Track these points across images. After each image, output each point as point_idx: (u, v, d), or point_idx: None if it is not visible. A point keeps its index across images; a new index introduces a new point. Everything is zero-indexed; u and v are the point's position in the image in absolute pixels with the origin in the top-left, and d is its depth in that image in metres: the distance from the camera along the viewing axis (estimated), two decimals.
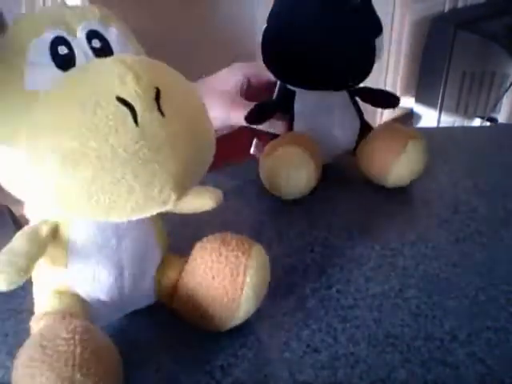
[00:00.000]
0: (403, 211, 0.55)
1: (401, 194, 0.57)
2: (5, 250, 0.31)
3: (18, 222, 0.79)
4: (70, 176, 0.26)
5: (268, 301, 0.41)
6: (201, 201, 0.39)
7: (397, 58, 2.38)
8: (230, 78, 0.61)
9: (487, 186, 0.59)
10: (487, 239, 0.49)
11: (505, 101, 2.24)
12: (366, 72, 0.53)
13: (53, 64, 0.30)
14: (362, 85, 0.56)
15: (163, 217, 0.36)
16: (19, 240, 0.32)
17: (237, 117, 0.56)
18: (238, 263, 0.36)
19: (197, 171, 0.31)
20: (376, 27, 0.52)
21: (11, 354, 0.37)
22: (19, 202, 0.35)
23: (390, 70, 2.36)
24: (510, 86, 2.17)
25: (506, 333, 0.39)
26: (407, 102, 2.51)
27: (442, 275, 0.45)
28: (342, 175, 0.61)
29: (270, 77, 0.60)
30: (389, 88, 2.38)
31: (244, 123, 0.56)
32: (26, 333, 0.34)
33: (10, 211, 0.78)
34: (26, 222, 0.36)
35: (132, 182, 0.27)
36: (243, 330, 0.39)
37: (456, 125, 2.37)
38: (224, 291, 0.36)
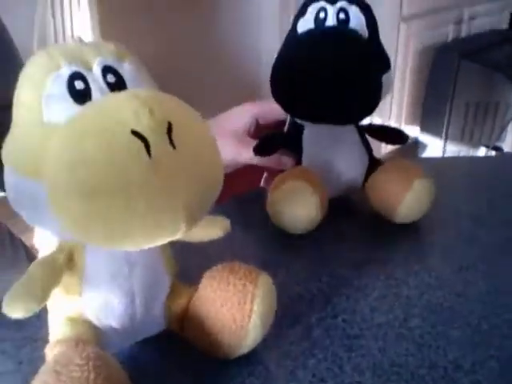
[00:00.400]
0: (407, 240, 0.56)
1: (404, 224, 0.58)
2: (22, 278, 0.32)
3: (31, 254, 0.80)
4: (86, 206, 0.28)
5: (275, 330, 0.42)
6: (209, 230, 0.41)
7: (401, 88, 2.40)
8: (239, 118, 0.63)
9: (490, 215, 0.60)
10: (490, 268, 0.50)
11: (509, 130, 2.25)
12: (372, 107, 0.54)
13: (70, 98, 0.31)
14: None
15: (172, 245, 0.38)
16: (36, 268, 0.33)
17: (245, 155, 0.58)
18: (246, 292, 0.37)
19: (206, 202, 0.32)
20: (384, 64, 0.54)
21: (26, 382, 0.38)
22: (29, 232, 0.36)
23: (394, 99, 2.38)
24: None
25: (509, 361, 0.39)
26: (412, 131, 2.53)
27: (445, 304, 0.46)
28: (350, 209, 0.62)
29: (279, 116, 0.61)
30: (394, 117, 2.41)
31: (252, 162, 0.57)
32: (40, 360, 0.35)
33: (24, 244, 0.80)
34: (36, 251, 0.37)
35: (144, 212, 0.28)
36: (251, 358, 0.40)
37: (461, 154, 2.38)
38: (232, 319, 0.37)
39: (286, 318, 0.44)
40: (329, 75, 0.51)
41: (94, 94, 0.32)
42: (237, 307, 0.37)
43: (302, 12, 0.55)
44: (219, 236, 0.41)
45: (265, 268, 0.40)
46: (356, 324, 0.44)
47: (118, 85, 0.33)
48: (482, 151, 2.35)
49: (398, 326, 0.43)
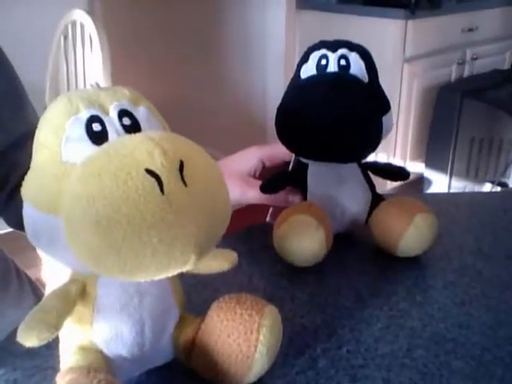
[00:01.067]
0: (411, 273, 0.56)
1: (408, 257, 0.59)
2: (37, 307, 0.34)
3: (37, 288, 0.81)
4: (102, 239, 0.29)
5: (281, 360, 0.43)
6: (217, 262, 0.42)
7: (406, 125, 2.44)
8: (245, 160, 0.65)
9: (492, 250, 0.61)
10: (492, 301, 0.51)
11: None
12: (373, 147, 0.56)
13: (88, 139, 0.34)
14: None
15: (180, 278, 0.39)
16: (50, 298, 0.34)
17: (251, 195, 0.60)
18: (252, 322, 0.38)
19: (215, 236, 0.34)
20: (383, 106, 0.56)
21: None
22: (34, 267, 0.37)
23: (399, 136, 2.41)
24: None
25: None
26: (417, 167, 2.55)
27: (448, 336, 0.46)
28: (353, 244, 0.63)
29: (284, 158, 0.64)
30: (399, 154, 2.43)
31: (258, 201, 0.59)
32: None
33: (30, 278, 0.81)
34: (42, 285, 0.38)
35: (157, 244, 0.30)
36: None
37: (467, 189, 2.39)
38: (238, 348, 0.38)
39: (291, 348, 0.45)
40: (329, 117, 0.53)
41: (111, 135, 0.34)
42: (243, 337, 0.38)
43: (304, 59, 0.58)
44: (226, 269, 0.42)
45: (270, 300, 0.41)
46: (360, 354, 0.44)
47: (133, 127, 0.35)
48: (487, 187, 2.36)
49: (401, 356, 0.44)
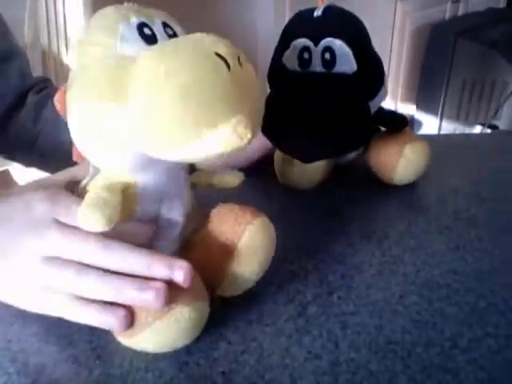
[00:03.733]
0: (404, 218, 0.55)
1: (402, 201, 0.58)
2: (93, 196, 0.34)
3: None
4: (184, 107, 0.31)
5: (270, 307, 0.42)
6: (230, 177, 0.45)
7: (397, 66, 2.39)
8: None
9: (487, 193, 0.59)
10: (487, 246, 0.50)
11: (505, 108, 2.25)
12: (362, 139, 0.57)
13: (141, 40, 0.35)
14: None
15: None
16: (103, 192, 0.35)
17: None
18: (243, 217, 0.40)
19: (259, 118, 0.36)
20: (371, 91, 0.54)
21: (15, 360, 0.37)
22: None
23: (390, 77, 2.37)
24: (510, 94, 2.17)
25: (506, 339, 0.39)
26: (408, 109, 2.52)
27: (442, 282, 0.45)
28: (351, 177, 0.64)
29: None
30: (390, 95, 2.39)
31: None
32: (29, 338, 0.34)
33: None
34: None
35: (224, 115, 0.32)
36: (245, 336, 0.39)
37: (457, 132, 2.38)
38: (225, 237, 0.40)
39: (280, 295, 0.44)
40: (312, 122, 0.51)
41: (160, 41, 0.36)
42: (232, 225, 0.40)
43: (285, 44, 0.54)
44: (235, 184, 0.45)
45: None
46: (351, 301, 0.43)
47: (176, 36, 0.37)
48: (477, 129, 2.35)
49: (394, 303, 0.43)
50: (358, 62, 0.51)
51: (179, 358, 0.38)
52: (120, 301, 0.35)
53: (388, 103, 2.42)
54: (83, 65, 0.36)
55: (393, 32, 2.24)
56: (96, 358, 0.38)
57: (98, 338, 0.39)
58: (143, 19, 0.36)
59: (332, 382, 0.36)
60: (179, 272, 0.35)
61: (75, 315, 0.36)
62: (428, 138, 0.61)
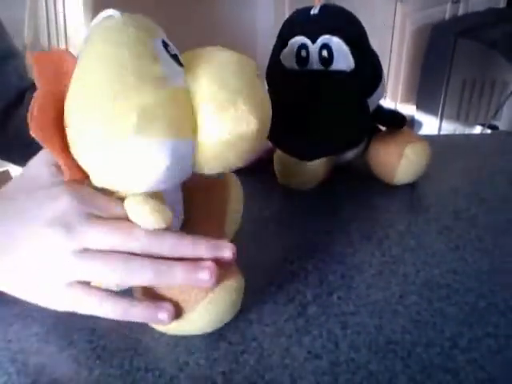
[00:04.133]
0: (404, 218, 0.55)
1: (401, 201, 0.58)
2: (143, 198, 0.37)
3: None
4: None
5: (270, 307, 0.42)
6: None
7: (397, 66, 2.39)
8: None
9: (487, 194, 0.59)
10: (487, 246, 0.50)
11: (505, 108, 2.24)
12: (360, 137, 0.56)
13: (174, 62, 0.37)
14: None
15: None
16: (145, 198, 0.37)
17: None
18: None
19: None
20: (369, 89, 0.54)
21: (14, 360, 0.37)
22: None
23: (390, 77, 2.37)
24: (510, 94, 2.17)
25: (506, 339, 0.39)
26: (408, 109, 2.52)
27: (442, 282, 0.45)
28: (351, 177, 0.64)
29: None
30: (390, 95, 2.39)
31: None
32: (29, 338, 0.34)
33: None
34: None
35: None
36: (245, 336, 0.39)
37: (457, 132, 2.38)
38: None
39: (280, 295, 0.44)
40: (310, 120, 0.51)
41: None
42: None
43: (282, 43, 0.54)
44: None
45: (259, 245, 0.39)
46: (351, 301, 0.43)
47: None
48: (477, 130, 2.34)
49: (394, 303, 0.43)
50: (355, 59, 0.52)
51: (179, 358, 0.38)
52: (175, 283, 0.37)
53: (388, 103, 2.42)
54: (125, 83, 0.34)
55: (393, 32, 2.24)
56: (96, 358, 0.38)
57: (98, 338, 0.39)
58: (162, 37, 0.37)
59: (332, 382, 0.36)
60: (227, 250, 0.38)
61: (116, 312, 0.37)
62: (428, 138, 0.61)
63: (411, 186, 0.61)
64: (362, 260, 0.48)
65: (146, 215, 0.36)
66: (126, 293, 0.39)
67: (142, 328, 0.40)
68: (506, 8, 2.61)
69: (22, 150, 0.68)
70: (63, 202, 0.37)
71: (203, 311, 0.38)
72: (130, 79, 0.34)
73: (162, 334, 0.40)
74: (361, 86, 0.53)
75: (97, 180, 0.37)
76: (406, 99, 2.50)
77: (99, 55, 0.35)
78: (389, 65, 2.33)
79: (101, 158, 0.35)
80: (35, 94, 0.35)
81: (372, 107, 0.55)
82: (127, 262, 0.36)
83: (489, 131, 2.25)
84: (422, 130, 2.47)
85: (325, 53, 0.51)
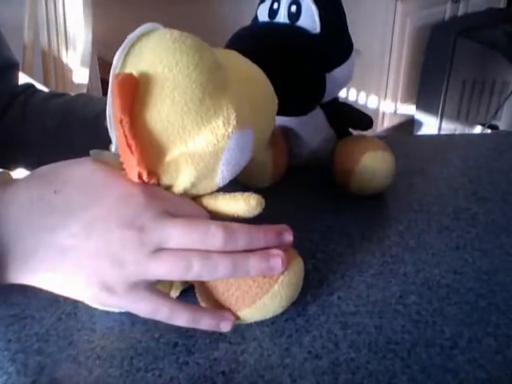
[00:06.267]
0: (403, 218, 0.55)
1: (401, 201, 0.58)
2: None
3: None
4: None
5: None
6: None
7: (397, 66, 2.39)
8: None
9: (487, 193, 0.59)
10: (487, 246, 0.50)
11: (505, 108, 2.24)
12: (310, 104, 0.55)
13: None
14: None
15: None
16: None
17: None
18: None
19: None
20: (330, 61, 0.54)
21: (14, 360, 0.37)
22: None
23: (390, 77, 2.36)
24: (510, 94, 2.17)
25: (506, 339, 0.39)
26: (408, 109, 2.52)
27: (442, 282, 0.45)
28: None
29: None
30: (390, 95, 2.39)
31: None
32: (28, 338, 0.34)
33: None
34: None
35: None
36: (245, 336, 0.39)
37: (457, 132, 2.37)
38: None
39: None
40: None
41: None
42: None
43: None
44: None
45: None
46: (351, 301, 0.43)
47: None
48: (477, 129, 2.34)
49: (394, 302, 0.43)
50: (322, 26, 0.52)
51: (179, 357, 0.38)
52: (251, 274, 0.38)
53: (388, 103, 2.42)
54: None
55: (393, 32, 2.24)
56: (96, 358, 0.38)
57: (98, 338, 0.39)
58: None
59: (332, 382, 0.36)
60: (287, 234, 0.40)
61: (183, 319, 0.37)
62: (428, 138, 0.61)
63: (411, 186, 0.61)
64: (361, 260, 0.48)
65: (247, 201, 0.40)
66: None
67: (142, 328, 0.40)
68: (505, 8, 2.61)
69: (14, 150, 0.68)
70: (136, 200, 0.36)
71: (276, 294, 0.38)
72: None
73: (162, 334, 0.40)
74: (320, 54, 0.53)
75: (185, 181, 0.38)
76: (406, 99, 2.50)
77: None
78: (389, 64, 2.33)
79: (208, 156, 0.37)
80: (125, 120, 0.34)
81: (332, 87, 0.54)
82: (206, 259, 0.36)
83: (489, 131, 2.25)
84: (422, 130, 2.47)
85: (293, 8, 0.52)
